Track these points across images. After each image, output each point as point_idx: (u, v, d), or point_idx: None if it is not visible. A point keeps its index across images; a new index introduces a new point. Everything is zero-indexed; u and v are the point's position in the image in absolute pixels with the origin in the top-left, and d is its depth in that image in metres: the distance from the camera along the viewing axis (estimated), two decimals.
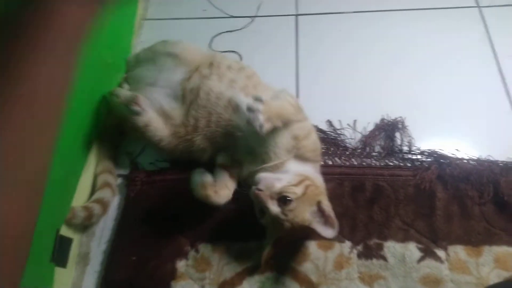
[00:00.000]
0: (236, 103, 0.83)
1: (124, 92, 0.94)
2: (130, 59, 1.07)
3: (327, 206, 0.75)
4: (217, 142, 0.88)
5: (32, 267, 0.70)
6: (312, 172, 0.81)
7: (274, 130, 0.78)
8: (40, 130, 0.35)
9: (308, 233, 0.79)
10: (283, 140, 0.80)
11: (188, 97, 0.90)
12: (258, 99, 0.72)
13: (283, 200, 0.71)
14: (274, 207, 0.71)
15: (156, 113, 0.91)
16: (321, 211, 0.74)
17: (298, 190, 0.72)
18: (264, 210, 0.74)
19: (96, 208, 0.87)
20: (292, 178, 0.75)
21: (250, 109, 0.72)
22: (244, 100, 0.78)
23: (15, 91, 0.32)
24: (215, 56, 0.96)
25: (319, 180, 0.81)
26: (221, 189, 0.81)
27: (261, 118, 0.70)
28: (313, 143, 0.84)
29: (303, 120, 0.84)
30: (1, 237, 0.31)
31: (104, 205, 0.89)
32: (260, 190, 0.73)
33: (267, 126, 0.71)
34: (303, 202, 0.72)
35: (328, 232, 0.72)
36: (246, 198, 0.79)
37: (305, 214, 0.71)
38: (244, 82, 0.89)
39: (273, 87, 0.92)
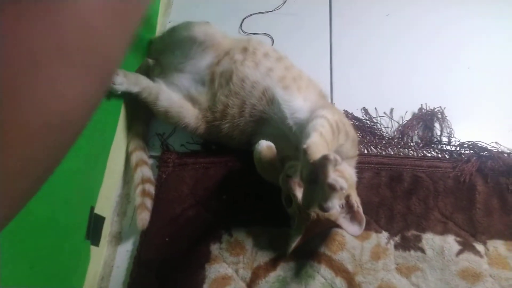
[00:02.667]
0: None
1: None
2: (155, 42, 1.02)
3: (356, 201, 0.73)
4: (247, 131, 0.86)
5: (69, 243, 0.70)
6: (345, 166, 0.78)
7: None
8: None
9: (334, 225, 0.77)
10: None
11: (216, 81, 0.87)
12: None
13: None
14: (301, 195, 0.70)
15: (184, 99, 0.89)
16: (349, 206, 0.73)
17: None
18: (291, 198, 0.73)
19: (148, 187, 0.86)
20: None
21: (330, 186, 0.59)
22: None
23: None
24: (250, 41, 0.91)
25: (350, 173, 0.78)
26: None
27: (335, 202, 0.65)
28: (351, 143, 0.79)
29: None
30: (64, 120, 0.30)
31: (151, 181, 0.88)
32: (289, 176, 0.71)
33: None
34: None
35: (354, 229, 0.72)
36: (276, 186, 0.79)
37: None
38: (283, 73, 0.85)
39: (315, 83, 0.88)
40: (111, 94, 0.84)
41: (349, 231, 0.72)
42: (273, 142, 0.82)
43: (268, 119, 0.83)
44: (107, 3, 0.29)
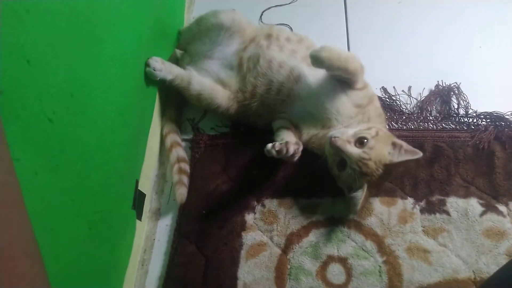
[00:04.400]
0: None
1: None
2: (184, 32, 1.09)
3: (401, 142, 0.78)
4: (275, 109, 0.91)
5: (119, 210, 0.76)
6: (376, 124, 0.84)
7: (335, 98, 0.83)
8: None
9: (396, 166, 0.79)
10: (345, 108, 0.84)
11: (245, 65, 0.94)
12: None
13: (360, 141, 0.76)
14: (354, 149, 0.75)
15: (214, 82, 0.96)
16: (398, 147, 0.77)
17: (371, 131, 0.77)
18: (344, 159, 0.76)
19: (183, 165, 0.92)
20: (361, 126, 0.79)
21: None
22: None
23: None
24: (272, 28, 0.99)
25: (379, 128, 0.82)
26: (289, 146, 0.80)
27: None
28: (376, 109, 0.86)
29: (364, 88, 0.87)
30: None
31: (186, 161, 0.94)
32: (336, 137, 0.76)
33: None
34: (378, 141, 0.76)
35: (414, 153, 0.76)
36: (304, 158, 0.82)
37: (385, 152, 0.75)
38: (305, 52, 0.91)
39: None
40: (149, 80, 0.90)
41: (413, 157, 0.75)
42: (299, 121, 0.88)
43: (295, 97, 0.88)
44: None
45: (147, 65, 0.89)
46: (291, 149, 0.76)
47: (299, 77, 0.88)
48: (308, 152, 0.86)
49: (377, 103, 0.88)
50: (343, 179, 0.79)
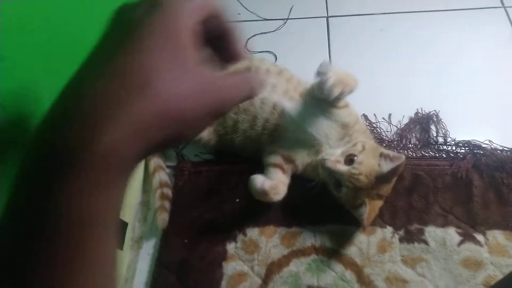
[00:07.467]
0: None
1: None
2: None
3: (388, 151, 0.81)
4: (261, 142, 0.92)
5: None
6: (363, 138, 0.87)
7: (322, 124, 0.85)
8: None
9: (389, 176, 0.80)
10: (333, 131, 0.85)
11: None
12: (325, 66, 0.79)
13: (349, 159, 0.79)
14: (343, 167, 0.78)
15: None
16: (385, 157, 0.79)
17: (358, 147, 0.80)
18: (338, 179, 0.79)
19: (166, 190, 0.94)
20: (348, 144, 0.83)
21: (320, 73, 0.79)
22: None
23: None
24: (252, 60, 0.99)
25: (364, 141, 0.85)
26: (279, 187, 0.83)
27: (330, 81, 0.76)
28: (361, 126, 0.90)
29: (346, 106, 0.88)
30: None
31: (168, 186, 0.96)
32: (325, 159, 0.80)
33: (336, 91, 0.77)
34: (367, 155, 0.79)
35: (398, 158, 0.78)
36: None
37: (374, 164, 0.78)
38: (285, 86, 0.93)
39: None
40: None
41: (398, 163, 0.77)
42: (291, 153, 0.88)
43: (283, 131, 0.89)
44: None
45: None
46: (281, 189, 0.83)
47: (283, 112, 0.89)
48: (295, 180, 0.87)
49: (362, 121, 0.93)
50: (344, 199, 0.81)
